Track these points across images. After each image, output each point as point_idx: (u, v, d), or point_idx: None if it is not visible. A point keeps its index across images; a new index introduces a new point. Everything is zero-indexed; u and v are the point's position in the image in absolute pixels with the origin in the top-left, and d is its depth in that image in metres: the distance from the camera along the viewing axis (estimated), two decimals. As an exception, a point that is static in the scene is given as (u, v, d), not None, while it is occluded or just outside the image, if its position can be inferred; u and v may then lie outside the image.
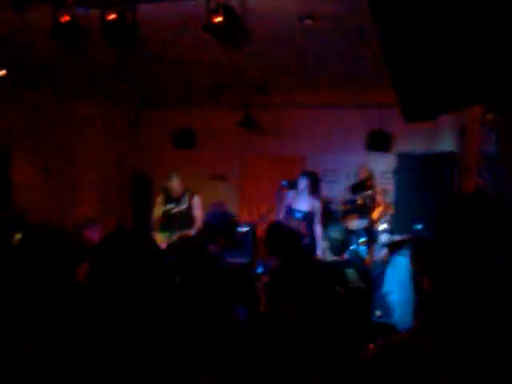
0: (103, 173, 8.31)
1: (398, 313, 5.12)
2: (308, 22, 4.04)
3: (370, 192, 6.76)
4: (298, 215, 5.92)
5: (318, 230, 5.84)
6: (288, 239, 3.30)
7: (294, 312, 2.62)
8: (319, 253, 5.68)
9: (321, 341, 2.57)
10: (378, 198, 6.56)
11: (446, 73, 2.91)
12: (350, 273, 3.56)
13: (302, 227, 5.85)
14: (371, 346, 2.66)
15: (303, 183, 5.89)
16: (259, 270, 5.73)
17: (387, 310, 5.14)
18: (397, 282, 5.04)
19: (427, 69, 2.87)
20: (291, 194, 6.04)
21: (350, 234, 6.26)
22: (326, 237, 4.62)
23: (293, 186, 6.74)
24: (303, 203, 5.94)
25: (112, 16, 3.20)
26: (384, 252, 5.37)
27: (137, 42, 3.42)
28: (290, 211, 5.98)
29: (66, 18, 3.28)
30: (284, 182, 6.48)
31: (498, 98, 3.34)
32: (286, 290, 2.66)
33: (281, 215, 6.10)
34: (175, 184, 5.99)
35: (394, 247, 4.90)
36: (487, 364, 1.70)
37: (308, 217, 5.89)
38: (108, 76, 6.23)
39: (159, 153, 8.92)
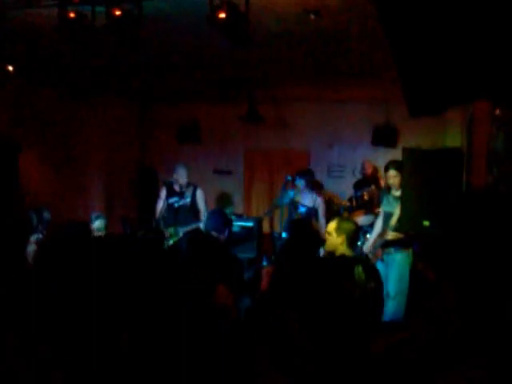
0: (110, 168, 8.32)
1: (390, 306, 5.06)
2: (313, 17, 4.01)
3: (374, 187, 6.72)
4: (302, 209, 6.07)
5: (323, 224, 5.91)
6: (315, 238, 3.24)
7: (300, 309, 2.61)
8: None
9: (328, 337, 2.56)
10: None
11: (453, 65, 2.89)
12: (359, 271, 3.53)
13: None
14: (379, 342, 2.67)
15: (300, 183, 6.11)
16: (264, 263, 5.75)
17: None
18: (391, 278, 4.99)
19: (433, 61, 2.84)
20: (293, 191, 6.18)
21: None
22: None
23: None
24: (306, 199, 6.12)
25: (118, 12, 3.21)
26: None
27: (142, 38, 3.43)
28: (294, 205, 6.09)
29: (72, 15, 3.29)
30: (289, 177, 6.48)
31: (506, 93, 3.31)
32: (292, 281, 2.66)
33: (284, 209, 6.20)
34: (182, 175, 5.97)
35: (388, 245, 4.86)
36: (491, 358, 1.69)
37: (311, 212, 6.06)
38: (114, 72, 6.22)
39: (164, 147, 8.92)
